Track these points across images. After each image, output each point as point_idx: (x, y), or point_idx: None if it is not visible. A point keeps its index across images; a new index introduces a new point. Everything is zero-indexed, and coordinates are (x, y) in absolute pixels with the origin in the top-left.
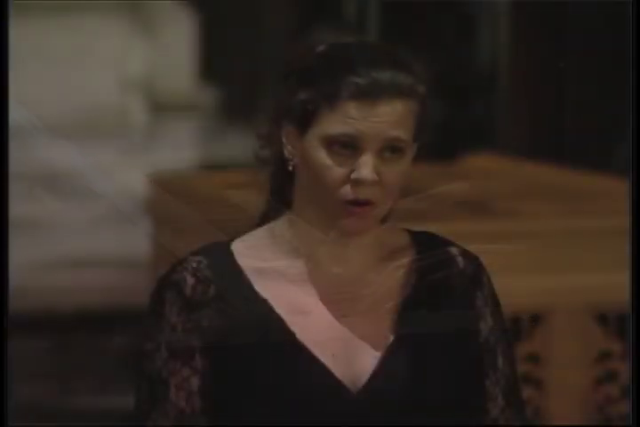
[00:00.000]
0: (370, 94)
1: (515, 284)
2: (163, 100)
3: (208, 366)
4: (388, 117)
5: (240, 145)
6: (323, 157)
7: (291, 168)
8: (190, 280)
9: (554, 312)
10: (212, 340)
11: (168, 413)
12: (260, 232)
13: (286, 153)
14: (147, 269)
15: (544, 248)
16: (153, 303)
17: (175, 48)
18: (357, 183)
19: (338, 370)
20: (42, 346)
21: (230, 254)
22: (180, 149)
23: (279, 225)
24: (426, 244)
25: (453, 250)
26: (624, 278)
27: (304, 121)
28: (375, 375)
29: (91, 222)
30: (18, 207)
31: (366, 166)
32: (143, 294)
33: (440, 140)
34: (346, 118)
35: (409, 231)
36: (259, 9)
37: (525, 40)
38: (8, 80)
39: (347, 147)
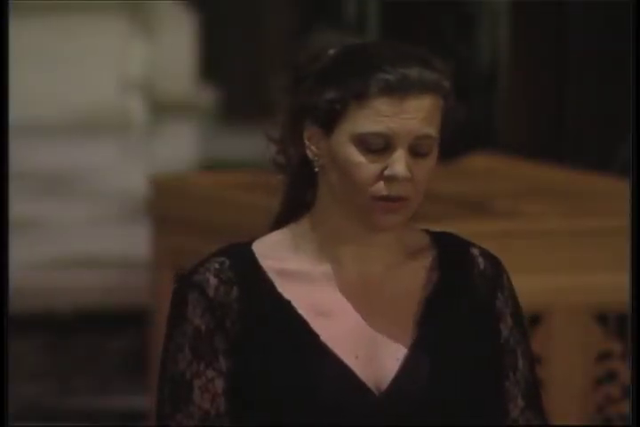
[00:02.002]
0: (399, 90)
1: (515, 284)
2: (163, 100)
3: (232, 368)
4: (417, 114)
5: (240, 145)
6: (354, 154)
7: (317, 169)
8: (213, 281)
9: (554, 312)
10: (235, 341)
11: (193, 415)
12: (281, 233)
13: (310, 155)
14: (147, 269)
15: (544, 248)
16: (175, 304)
17: (175, 48)
18: (391, 180)
19: (361, 371)
20: (41, 346)
21: (252, 255)
22: (180, 148)
23: (301, 226)
24: (446, 244)
25: (474, 250)
26: (624, 278)
27: (330, 120)
28: (398, 377)
29: (91, 222)
30: (18, 207)
31: (400, 163)
32: (143, 294)
33: (440, 140)
34: (377, 116)
35: (428, 232)
36: (259, 9)
37: (525, 40)
38: (8, 80)
39: (378, 144)
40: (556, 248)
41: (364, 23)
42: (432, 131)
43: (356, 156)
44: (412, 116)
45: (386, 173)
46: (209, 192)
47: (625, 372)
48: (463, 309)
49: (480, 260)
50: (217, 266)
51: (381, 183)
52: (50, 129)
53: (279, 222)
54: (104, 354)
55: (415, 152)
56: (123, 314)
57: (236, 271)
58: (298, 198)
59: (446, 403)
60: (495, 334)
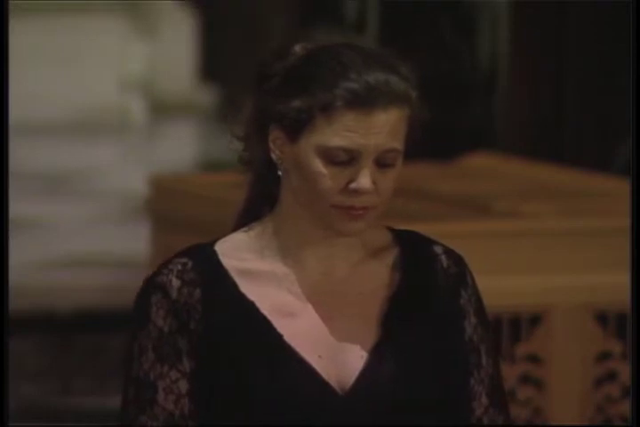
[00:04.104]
0: (366, 102)
1: (515, 284)
2: (163, 100)
3: (196, 369)
4: (384, 128)
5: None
6: (319, 166)
7: (280, 173)
8: (176, 283)
9: (554, 312)
10: (199, 342)
11: (157, 416)
12: (244, 234)
13: (274, 157)
14: (147, 269)
15: (544, 248)
16: (139, 306)
17: (175, 48)
18: (355, 193)
19: (324, 371)
20: (42, 345)
21: (215, 256)
22: (179, 148)
23: (264, 226)
24: (409, 242)
25: (436, 248)
26: (624, 278)
27: (296, 129)
28: (362, 376)
29: (91, 222)
30: (18, 207)
31: (365, 177)
32: None
33: (440, 140)
34: (343, 131)
35: (391, 230)
36: (259, 9)
37: (525, 40)
38: (8, 80)
39: (343, 157)
40: (556, 248)
41: (364, 23)
42: (397, 144)
43: (321, 167)
44: (379, 130)
45: (351, 186)
46: (209, 192)
47: (625, 372)
48: (426, 307)
49: (443, 257)
50: (179, 267)
51: (345, 195)
52: (50, 129)
53: (243, 221)
54: (104, 354)
55: (380, 164)
56: (123, 314)
57: (198, 272)
58: (262, 197)
59: (410, 402)
60: (459, 332)
